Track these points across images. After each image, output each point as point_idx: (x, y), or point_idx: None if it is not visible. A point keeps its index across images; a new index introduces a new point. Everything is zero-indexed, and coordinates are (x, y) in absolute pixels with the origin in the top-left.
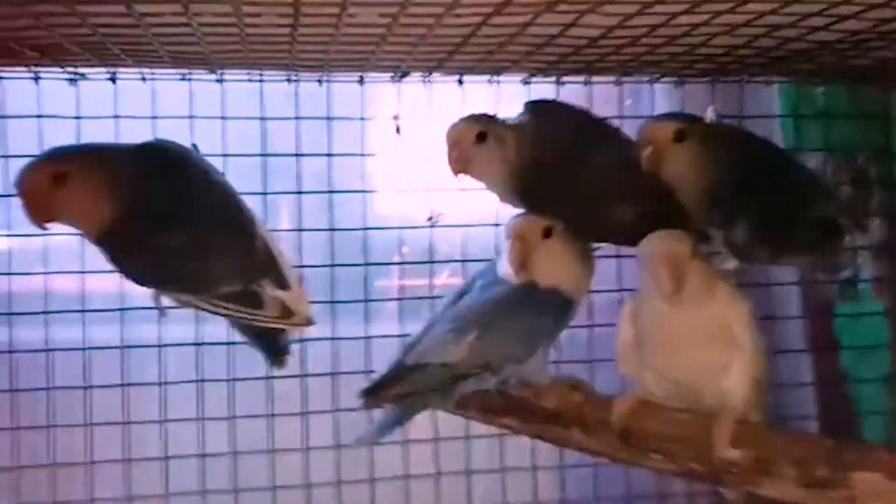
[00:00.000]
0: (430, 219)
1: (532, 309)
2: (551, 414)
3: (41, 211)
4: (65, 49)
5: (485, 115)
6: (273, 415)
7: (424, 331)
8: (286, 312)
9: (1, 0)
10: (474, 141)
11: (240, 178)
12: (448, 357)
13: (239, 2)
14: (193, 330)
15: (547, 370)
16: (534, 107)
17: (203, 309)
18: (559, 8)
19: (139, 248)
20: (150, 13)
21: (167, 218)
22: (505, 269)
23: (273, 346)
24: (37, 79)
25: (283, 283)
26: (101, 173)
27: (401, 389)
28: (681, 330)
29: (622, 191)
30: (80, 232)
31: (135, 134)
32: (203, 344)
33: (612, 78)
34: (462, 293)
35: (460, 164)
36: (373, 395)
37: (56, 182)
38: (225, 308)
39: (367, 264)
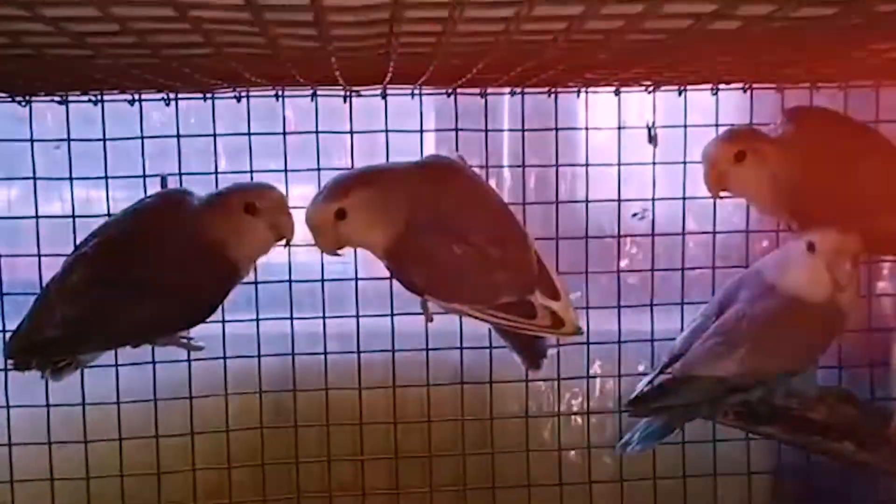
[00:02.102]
0: (634, 214)
1: (805, 322)
2: (820, 426)
3: (330, 243)
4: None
5: (742, 130)
6: (528, 416)
7: (687, 340)
8: (556, 322)
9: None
10: (733, 160)
11: None
12: (719, 370)
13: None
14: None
15: (816, 381)
16: (795, 115)
17: (475, 317)
18: None
19: (422, 262)
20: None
21: (448, 231)
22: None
23: (533, 350)
24: (314, 95)
25: (553, 293)
26: (378, 200)
27: (669, 401)
28: None
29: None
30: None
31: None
32: (467, 348)
33: (869, 81)
34: (724, 301)
35: (720, 183)
36: (640, 405)
37: (337, 218)
38: (499, 317)
39: (620, 271)
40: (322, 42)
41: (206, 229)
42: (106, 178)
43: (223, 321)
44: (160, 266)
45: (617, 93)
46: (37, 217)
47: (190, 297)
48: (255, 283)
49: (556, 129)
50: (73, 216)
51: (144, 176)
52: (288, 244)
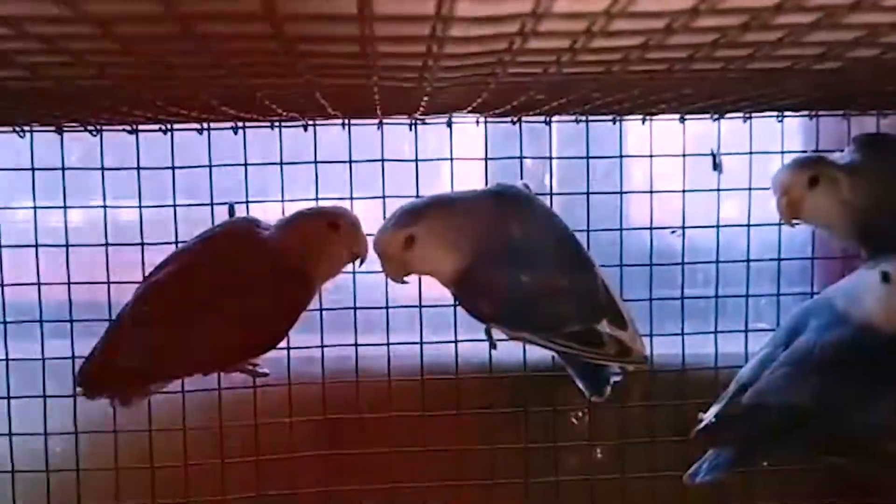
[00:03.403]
0: (673, 231)
1: (878, 352)
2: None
3: (398, 270)
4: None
5: (813, 157)
6: (591, 443)
7: (756, 369)
8: (624, 351)
9: None
10: (806, 186)
11: None
12: (790, 399)
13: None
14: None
15: (891, 412)
16: (864, 142)
17: (541, 345)
18: None
19: (489, 292)
20: None
21: (515, 261)
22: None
23: (596, 377)
24: (381, 124)
25: (620, 323)
26: (447, 229)
27: (738, 431)
28: None
29: None
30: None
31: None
32: (531, 374)
33: None
34: (793, 330)
35: (792, 210)
36: (710, 434)
37: (406, 245)
38: (566, 346)
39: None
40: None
41: (287, 252)
42: (175, 205)
43: (288, 347)
44: (236, 293)
45: (682, 120)
46: (106, 245)
47: (267, 323)
48: (321, 309)
49: (621, 157)
50: (143, 244)
51: (212, 204)
52: (362, 262)
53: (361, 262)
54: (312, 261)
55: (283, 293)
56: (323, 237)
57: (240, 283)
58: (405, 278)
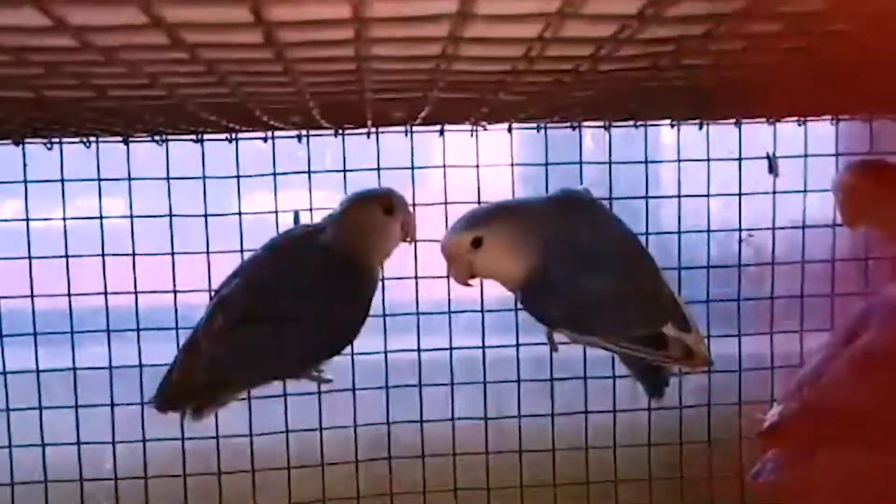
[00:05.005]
0: (741, 240)
1: None
2: None
3: (464, 272)
4: None
5: (876, 160)
6: (650, 445)
7: (817, 368)
8: (687, 353)
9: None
10: (872, 191)
11: None
12: (852, 399)
13: None
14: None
15: None
16: None
17: (606, 348)
18: None
19: (558, 296)
20: None
21: (584, 265)
22: None
23: (657, 379)
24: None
25: (684, 325)
26: (515, 232)
27: (802, 431)
28: None
29: None
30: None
31: None
32: (591, 378)
33: None
34: (852, 329)
35: (858, 215)
36: (774, 434)
37: (473, 247)
38: (632, 349)
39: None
40: None
41: (343, 245)
42: (240, 214)
43: (352, 353)
44: (303, 298)
45: (737, 125)
46: (172, 253)
47: (338, 322)
48: (384, 315)
49: (679, 161)
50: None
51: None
52: (412, 241)
53: (411, 242)
54: (369, 243)
55: (346, 288)
56: (380, 219)
57: (304, 286)
58: (470, 281)
